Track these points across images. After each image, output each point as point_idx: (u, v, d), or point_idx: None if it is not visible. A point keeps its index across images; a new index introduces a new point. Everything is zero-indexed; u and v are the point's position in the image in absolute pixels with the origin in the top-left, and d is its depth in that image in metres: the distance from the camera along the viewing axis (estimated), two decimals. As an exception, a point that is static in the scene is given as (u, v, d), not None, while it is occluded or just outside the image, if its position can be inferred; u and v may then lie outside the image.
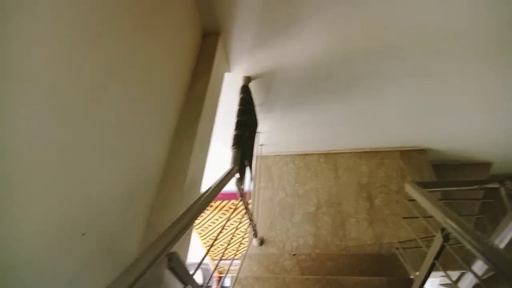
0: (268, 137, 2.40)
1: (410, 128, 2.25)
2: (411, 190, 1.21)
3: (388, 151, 2.42)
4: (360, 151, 2.45)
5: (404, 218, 1.39)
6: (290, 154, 2.52)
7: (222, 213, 3.35)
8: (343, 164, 2.39)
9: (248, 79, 1.89)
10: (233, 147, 1.59)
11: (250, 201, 2.29)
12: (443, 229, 0.96)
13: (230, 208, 3.29)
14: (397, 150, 2.42)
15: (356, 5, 1.47)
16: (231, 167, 1.48)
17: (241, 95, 1.83)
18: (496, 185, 1.22)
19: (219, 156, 2.11)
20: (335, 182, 2.30)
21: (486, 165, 2.47)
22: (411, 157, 2.36)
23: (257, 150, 2.21)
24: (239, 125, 1.73)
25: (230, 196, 3.17)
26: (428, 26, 1.54)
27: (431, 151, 2.40)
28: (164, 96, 1.18)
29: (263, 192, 2.37)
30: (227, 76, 1.84)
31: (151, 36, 1.08)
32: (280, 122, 2.28)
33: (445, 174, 2.51)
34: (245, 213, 1.79)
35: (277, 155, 2.53)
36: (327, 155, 2.46)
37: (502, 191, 1.18)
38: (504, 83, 1.84)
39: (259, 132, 2.33)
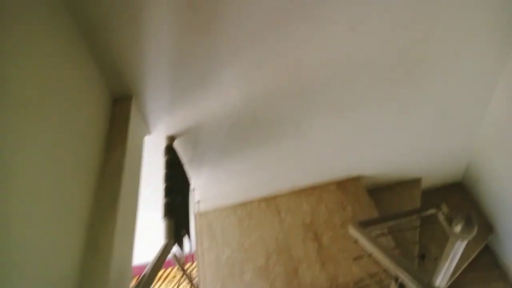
0: (205, 192, 2.28)
1: (341, 159, 2.31)
2: (355, 233, 1.18)
3: (324, 185, 2.45)
4: (298, 190, 2.44)
5: (355, 259, 1.36)
6: (231, 206, 2.42)
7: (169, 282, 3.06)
8: (285, 206, 2.35)
9: (171, 139, 1.79)
10: (165, 217, 1.45)
11: (194, 266, 2.10)
12: (396, 279, 0.93)
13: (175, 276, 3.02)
14: (333, 182, 2.46)
15: (269, 48, 1.48)
16: (166, 243, 1.33)
17: (166, 157, 1.71)
18: (433, 211, 1.25)
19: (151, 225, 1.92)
20: (280, 227, 2.24)
21: (416, 181, 2.62)
22: (347, 187, 2.41)
23: (194, 210, 2.07)
24: (169, 191, 1.59)
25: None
26: (342, 58, 1.61)
27: (364, 177, 2.48)
28: (69, 181, 1.01)
29: (207, 253, 2.21)
30: (148, 139, 1.72)
31: (43, 119, 0.93)
32: (214, 175, 2.19)
33: (381, 196, 2.61)
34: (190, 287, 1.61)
35: (217, 209, 2.41)
36: (267, 200, 2.41)
37: (440, 216, 1.22)
38: (417, 102, 1.98)
39: (193, 190, 2.20)
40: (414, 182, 2.63)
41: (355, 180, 2.44)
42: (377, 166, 2.47)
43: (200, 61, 1.46)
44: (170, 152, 1.74)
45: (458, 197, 2.74)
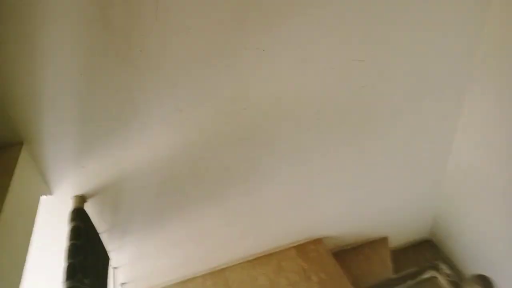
0: (132, 270, 1.81)
1: (299, 219, 2.01)
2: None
3: (282, 251, 2.09)
4: (252, 259, 2.05)
5: None
6: (166, 286, 1.93)
7: None
8: (236, 281, 1.93)
9: (81, 200, 1.37)
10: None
11: None
12: None
13: None
14: (292, 247, 2.12)
15: (207, 84, 1.22)
16: None
17: (72, 224, 1.28)
18: (433, 274, 0.96)
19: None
20: (231, 310, 1.79)
21: (383, 240, 2.36)
22: (308, 251, 2.07)
23: (115, 296, 1.58)
24: (71, 273, 1.15)
25: None
26: (291, 96, 1.39)
27: (327, 239, 2.18)
28: None
29: None
30: (47, 201, 1.30)
31: None
32: (144, 247, 1.74)
33: (347, 259, 2.29)
34: None
35: (148, 292, 1.91)
36: (214, 274, 1.97)
37: (441, 280, 0.92)
38: (377, 150, 1.80)
39: (116, 268, 1.72)
40: (381, 242, 2.37)
41: (317, 243, 2.12)
42: (340, 225, 2.19)
43: (119, 97, 1.15)
44: (78, 217, 1.32)
45: (428, 255, 2.50)
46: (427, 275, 0.97)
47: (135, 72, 1.09)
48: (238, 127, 1.41)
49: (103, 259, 1.44)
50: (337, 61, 1.34)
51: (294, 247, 2.11)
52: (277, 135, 1.51)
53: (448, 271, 0.94)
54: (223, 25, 1.08)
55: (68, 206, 1.34)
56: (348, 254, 2.32)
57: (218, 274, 1.98)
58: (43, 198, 1.26)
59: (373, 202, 2.11)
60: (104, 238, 1.50)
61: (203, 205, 1.64)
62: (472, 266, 2.21)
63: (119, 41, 1.00)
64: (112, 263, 1.68)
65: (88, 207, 1.39)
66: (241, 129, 1.42)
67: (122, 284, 1.80)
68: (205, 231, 1.79)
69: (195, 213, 1.67)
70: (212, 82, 1.22)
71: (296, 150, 1.60)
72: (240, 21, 1.09)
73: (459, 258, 2.32)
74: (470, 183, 2.02)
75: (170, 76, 1.14)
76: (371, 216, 2.23)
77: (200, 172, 1.51)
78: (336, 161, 1.75)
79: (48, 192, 1.31)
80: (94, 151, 1.27)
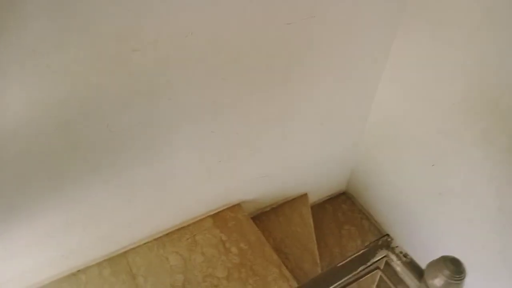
0: (2, 270, 1.38)
1: (214, 186, 1.77)
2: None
3: (197, 222, 1.85)
4: (160, 235, 1.76)
5: None
6: (52, 281, 1.55)
7: None
8: (142, 266, 1.64)
9: None
10: None
11: None
12: None
13: None
14: (208, 216, 1.88)
15: (78, 20, 0.82)
16: None
17: None
18: (383, 254, 0.81)
19: None
20: (137, 301, 1.52)
21: (303, 197, 2.28)
22: (226, 219, 1.87)
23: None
24: None
25: None
26: (196, 40, 1.07)
27: (246, 203, 2.00)
28: None
29: None
30: None
31: None
32: (12, 242, 1.32)
33: (267, 221, 2.18)
34: None
35: (26, 292, 1.51)
36: (113, 260, 1.65)
37: (396, 263, 0.78)
38: (297, 105, 1.61)
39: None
40: (300, 199, 2.29)
41: (236, 209, 1.92)
42: (259, 186, 2.01)
43: None
44: None
45: (345, 207, 2.54)
46: (378, 256, 0.83)
47: None
48: (128, 76, 1.05)
49: None
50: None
51: (211, 216, 1.88)
52: (181, 87, 1.19)
53: (401, 249, 0.81)
54: None
55: None
56: (268, 216, 2.19)
57: (119, 259, 1.65)
58: None
59: (293, 159, 1.96)
60: None
61: (88, 183, 1.27)
62: (389, 216, 2.29)
63: None
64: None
65: None
66: (133, 80, 1.06)
67: (-18, 292, 1.37)
68: (94, 215, 1.43)
69: (78, 194, 1.29)
70: (89, 11, 0.83)
71: (205, 105, 1.31)
72: None
73: (375, 209, 2.40)
74: (390, 134, 2.00)
75: None
76: (291, 174, 2.10)
77: (78, 141, 1.12)
78: (253, 114, 1.51)
79: None
80: None
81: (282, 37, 1.26)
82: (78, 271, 1.60)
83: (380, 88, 1.82)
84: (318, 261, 1.98)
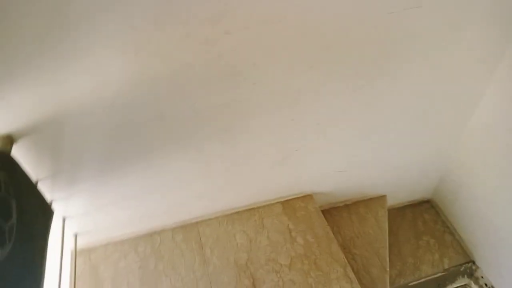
0: (87, 220, 1.59)
1: (287, 170, 1.77)
2: None
3: (267, 206, 1.89)
4: (231, 213, 1.85)
5: None
6: (130, 238, 1.74)
7: None
8: (210, 238, 1.74)
9: (6, 140, 1.08)
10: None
11: None
12: None
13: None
14: (278, 202, 1.91)
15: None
16: None
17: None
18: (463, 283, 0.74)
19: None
20: (202, 271, 1.62)
21: (381, 198, 2.18)
22: (296, 208, 1.87)
23: (64, 251, 1.37)
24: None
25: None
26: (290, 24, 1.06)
27: (318, 195, 1.97)
28: None
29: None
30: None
31: None
32: (100, 197, 1.50)
33: (338, 218, 2.14)
34: None
35: (108, 244, 1.72)
36: (185, 228, 1.78)
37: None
38: (391, 94, 1.51)
39: (69, 218, 1.50)
40: (378, 200, 2.18)
41: (307, 200, 1.91)
42: (335, 181, 1.97)
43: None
44: (3, 163, 1.04)
45: (428, 217, 2.35)
46: (458, 283, 0.75)
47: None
48: (217, 57, 1.09)
49: (38, 214, 1.19)
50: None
51: (281, 202, 1.90)
52: (266, 72, 1.19)
53: (487, 281, 0.72)
54: None
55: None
56: (340, 212, 2.14)
57: (191, 227, 1.78)
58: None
59: (377, 158, 1.87)
60: (45, 187, 1.24)
61: (171, 154, 1.38)
62: (476, 235, 2.07)
63: None
64: (61, 213, 1.46)
65: (20, 150, 1.12)
66: (222, 61, 1.10)
67: (76, 234, 1.59)
68: (175, 182, 1.55)
69: (161, 162, 1.40)
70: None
71: (288, 92, 1.30)
72: None
73: (462, 224, 2.18)
74: (489, 144, 1.78)
75: None
76: (370, 174, 2.01)
77: (165, 115, 1.21)
78: (337, 106, 1.46)
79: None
80: (16, 80, 0.96)
81: (380, 26, 1.19)
82: (154, 232, 1.77)
83: (488, 94, 1.62)
84: (388, 268, 1.88)
